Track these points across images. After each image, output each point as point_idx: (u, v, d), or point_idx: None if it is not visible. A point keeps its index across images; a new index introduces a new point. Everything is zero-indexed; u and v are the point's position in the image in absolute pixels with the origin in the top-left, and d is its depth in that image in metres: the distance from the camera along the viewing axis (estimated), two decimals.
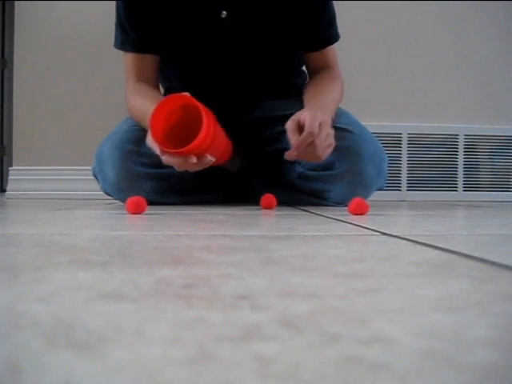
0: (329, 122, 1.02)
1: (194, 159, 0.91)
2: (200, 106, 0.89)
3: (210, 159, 0.95)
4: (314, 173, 1.12)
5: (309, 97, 1.13)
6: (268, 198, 0.99)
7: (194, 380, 0.13)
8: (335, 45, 1.23)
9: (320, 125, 0.98)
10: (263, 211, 0.93)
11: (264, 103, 1.26)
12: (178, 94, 0.91)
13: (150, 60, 1.18)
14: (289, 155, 0.98)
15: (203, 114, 0.88)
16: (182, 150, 0.88)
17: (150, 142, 0.95)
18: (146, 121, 1.08)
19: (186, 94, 0.91)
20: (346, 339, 0.17)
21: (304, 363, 0.15)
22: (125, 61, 1.20)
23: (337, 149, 1.08)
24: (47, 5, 1.68)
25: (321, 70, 1.23)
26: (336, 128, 1.10)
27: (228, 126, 1.24)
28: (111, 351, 0.16)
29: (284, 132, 1.15)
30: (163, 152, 0.92)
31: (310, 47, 1.21)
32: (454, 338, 0.17)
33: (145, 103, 1.12)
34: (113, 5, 1.46)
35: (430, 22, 1.75)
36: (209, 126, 0.90)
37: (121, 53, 1.20)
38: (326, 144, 1.00)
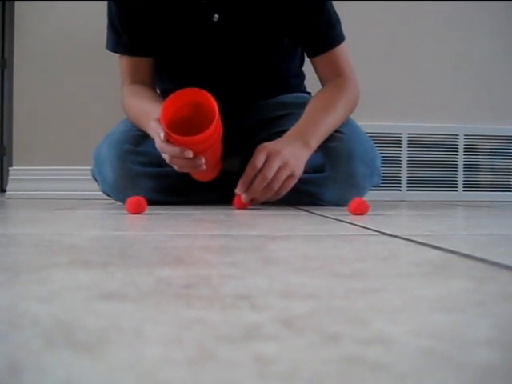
0: (289, 151, 1.00)
1: (190, 154, 0.89)
2: (216, 106, 0.87)
3: (202, 163, 0.92)
4: (307, 175, 1.11)
5: (307, 111, 1.11)
6: (240, 197, 0.98)
7: (194, 380, 0.13)
8: (347, 49, 1.17)
9: (269, 157, 0.97)
10: (263, 211, 0.93)
11: (259, 103, 1.26)
12: (198, 90, 0.89)
13: (143, 62, 1.18)
14: (240, 195, 0.97)
15: (217, 112, 0.86)
16: (187, 138, 0.86)
17: (154, 126, 0.92)
18: (144, 121, 1.07)
19: (205, 91, 0.88)
20: (346, 339, 0.17)
21: (304, 363, 0.15)
22: (119, 62, 1.20)
23: (327, 150, 1.08)
24: (47, 5, 1.68)
25: (330, 78, 1.17)
26: None
27: (224, 127, 1.24)
28: (111, 351, 0.16)
29: (278, 133, 1.15)
30: (167, 136, 0.89)
31: (310, 51, 1.18)
32: (454, 338, 0.17)
33: (141, 104, 1.12)
34: None
35: (430, 22, 1.75)
36: (216, 127, 0.88)
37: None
38: (281, 176, 0.98)
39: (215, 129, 0.88)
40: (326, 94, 1.15)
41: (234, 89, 1.21)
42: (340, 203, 1.08)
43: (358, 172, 1.09)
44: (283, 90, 1.28)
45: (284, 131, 1.11)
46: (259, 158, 0.97)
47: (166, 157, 0.95)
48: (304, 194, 1.13)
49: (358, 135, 1.13)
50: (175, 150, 0.90)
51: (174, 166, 0.97)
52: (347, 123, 1.14)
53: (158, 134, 0.91)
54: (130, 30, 1.14)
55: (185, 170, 0.97)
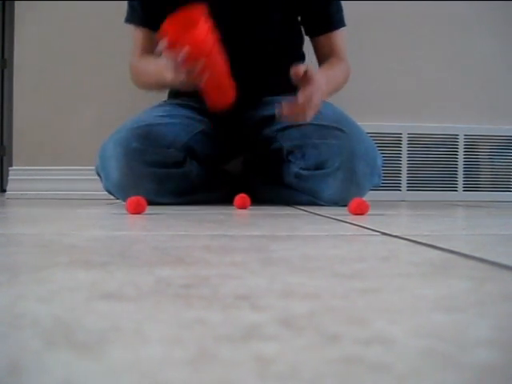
0: (324, 92, 1.10)
1: (186, 50, 0.93)
2: (204, 15, 0.95)
3: (202, 69, 0.97)
4: (308, 172, 1.13)
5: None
6: (242, 197, 0.98)
7: (194, 380, 0.13)
8: (346, 35, 1.30)
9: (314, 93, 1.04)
10: (263, 211, 0.93)
11: (264, 99, 1.26)
12: (191, 7, 0.96)
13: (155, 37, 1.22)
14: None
15: (206, 17, 0.94)
16: (176, 37, 0.93)
17: (160, 45, 0.98)
18: (155, 67, 1.13)
19: (197, 8, 0.96)
20: (345, 339, 0.17)
21: (304, 363, 0.15)
22: (132, 36, 1.26)
23: (328, 147, 1.09)
24: (47, 5, 1.68)
25: (328, 57, 1.28)
26: (327, 127, 1.11)
27: (230, 125, 1.25)
28: (111, 351, 0.16)
29: (282, 129, 1.17)
30: (162, 35, 0.95)
31: (317, 29, 1.28)
32: (453, 338, 0.17)
33: (158, 60, 1.18)
34: (113, 5, 1.46)
35: (430, 21, 1.75)
36: (207, 31, 0.95)
37: (122, 51, 1.22)
38: (313, 106, 1.05)
39: (206, 31, 0.95)
40: (330, 61, 1.27)
41: (244, 80, 1.23)
42: (339, 202, 1.09)
43: (358, 170, 1.09)
44: (288, 88, 1.29)
45: (288, 127, 1.13)
46: (317, 90, 1.04)
47: (171, 70, 0.99)
48: (304, 193, 1.14)
49: (360, 134, 1.13)
50: (173, 54, 0.95)
51: (180, 80, 1.00)
52: (348, 122, 1.14)
53: (161, 47, 0.96)
54: (145, 5, 1.21)
55: (189, 82, 1.00)
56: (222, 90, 1.07)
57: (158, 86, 1.20)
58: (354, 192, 1.06)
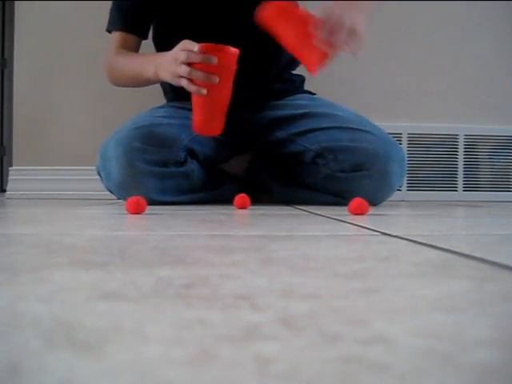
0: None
1: (215, 60, 0.96)
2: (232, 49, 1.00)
3: (216, 79, 0.98)
4: (344, 174, 1.14)
5: None
6: (242, 197, 0.99)
7: (194, 380, 0.13)
8: None
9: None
10: (263, 211, 0.93)
11: (269, 104, 1.27)
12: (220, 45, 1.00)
13: (134, 40, 1.25)
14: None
15: (234, 49, 1.00)
16: (209, 44, 0.99)
17: (182, 45, 1.01)
18: (150, 61, 1.14)
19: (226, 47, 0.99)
20: (345, 339, 0.17)
21: (304, 363, 0.15)
22: (111, 40, 1.27)
23: (363, 150, 1.12)
24: (47, 5, 1.68)
25: None
26: (356, 130, 1.14)
27: (233, 128, 1.26)
28: (111, 351, 0.16)
29: (302, 133, 1.18)
30: (200, 47, 0.98)
31: None
32: (454, 338, 0.17)
33: (138, 55, 1.21)
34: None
35: (429, 21, 1.75)
36: (231, 56, 1.00)
37: None
38: (351, 11, 0.97)
39: (230, 55, 1.00)
40: None
41: (252, 79, 1.23)
42: (372, 201, 1.09)
43: (392, 171, 1.13)
44: (292, 91, 1.30)
45: (306, 131, 1.15)
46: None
47: (184, 69, 1.00)
48: (334, 193, 1.16)
49: (387, 136, 1.19)
50: (203, 56, 0.98)
51: (185, 79, 1.01)
52: (371, 124, 1.18)
53: (186, 49, 1.00)
54: (136, 9, 1.23)
55: (199, 78, 1.00)
56: (213, 117, 1.05)
57: (138, 79, 1.19)
58: (387, 192, 1.13)
